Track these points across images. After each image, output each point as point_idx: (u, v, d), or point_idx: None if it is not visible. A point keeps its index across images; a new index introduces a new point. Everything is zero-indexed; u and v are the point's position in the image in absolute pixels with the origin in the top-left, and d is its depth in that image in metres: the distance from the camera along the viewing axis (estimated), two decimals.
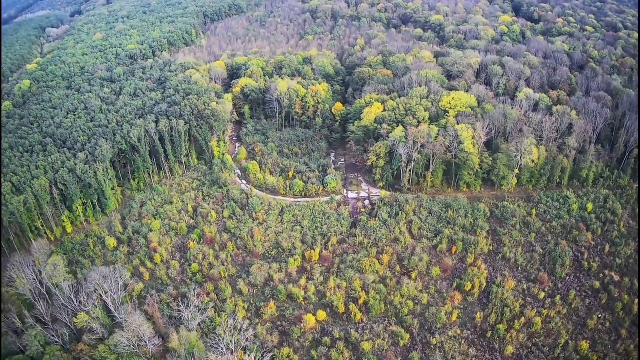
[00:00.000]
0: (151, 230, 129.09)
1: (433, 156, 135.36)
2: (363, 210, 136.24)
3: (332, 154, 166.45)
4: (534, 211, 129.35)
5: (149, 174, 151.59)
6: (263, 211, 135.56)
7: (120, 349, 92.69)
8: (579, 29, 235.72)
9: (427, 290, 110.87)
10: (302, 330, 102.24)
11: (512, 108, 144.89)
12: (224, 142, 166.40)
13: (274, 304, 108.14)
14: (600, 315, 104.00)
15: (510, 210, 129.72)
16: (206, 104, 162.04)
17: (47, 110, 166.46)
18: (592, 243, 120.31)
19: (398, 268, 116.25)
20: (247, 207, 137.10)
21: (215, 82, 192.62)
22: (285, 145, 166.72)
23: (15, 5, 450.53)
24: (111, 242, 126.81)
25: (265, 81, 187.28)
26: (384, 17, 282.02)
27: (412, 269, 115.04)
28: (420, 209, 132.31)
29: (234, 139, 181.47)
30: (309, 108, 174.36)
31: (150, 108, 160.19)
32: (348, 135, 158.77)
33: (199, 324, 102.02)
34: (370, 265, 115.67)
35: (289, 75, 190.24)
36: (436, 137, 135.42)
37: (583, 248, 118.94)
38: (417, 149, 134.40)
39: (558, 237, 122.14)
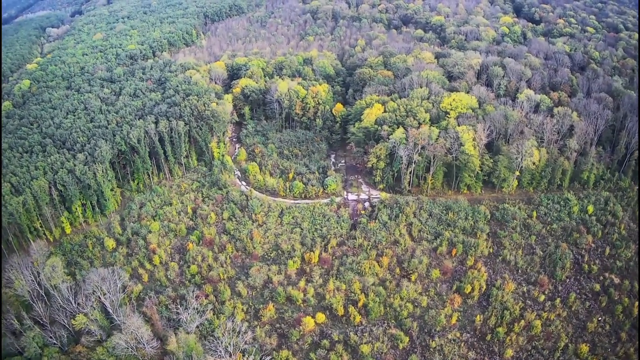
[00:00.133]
0: (150, 232, 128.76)
1: (433, 158, 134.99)
2: (363, 212, 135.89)
3: (332, 156, 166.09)
4: (534, 213, 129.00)
5: (149, 175, 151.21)
6: (262, 213, 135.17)
7: (119, 351, 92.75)
8: (580, 29, 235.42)
9: (427, 293, 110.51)
10: (301, 333, 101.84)
11: (513, 109, 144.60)
12: (224, 143, 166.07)
13: (273, 306, 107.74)
14: (600, 318, 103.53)
15: (510, 212, 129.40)
16: (206, 105, 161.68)
17: (47, 110, 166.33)
18: (593, 245, 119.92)
19: (398, 270, 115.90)
20: (247, 209, 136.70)
21: (215, 83, 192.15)
22: (285, 146, 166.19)
23: (15, 5, 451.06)
24: (110, 243, 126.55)
25: (266, 82, 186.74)
26: (384, 17, 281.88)
27: (411, 272, 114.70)
28: (420, 211, 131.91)
29: (234, 140, 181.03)
30: (309, 109, 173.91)
31: (150, 109, 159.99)
32: (348, 137, 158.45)
33: (197, 327, 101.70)
34: (369, 267, 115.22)
35: (289, 76, 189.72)
36: (437, 138, 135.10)
37: (583, 250, 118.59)
38: (418, 150, 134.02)
39: (558, 240, 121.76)
